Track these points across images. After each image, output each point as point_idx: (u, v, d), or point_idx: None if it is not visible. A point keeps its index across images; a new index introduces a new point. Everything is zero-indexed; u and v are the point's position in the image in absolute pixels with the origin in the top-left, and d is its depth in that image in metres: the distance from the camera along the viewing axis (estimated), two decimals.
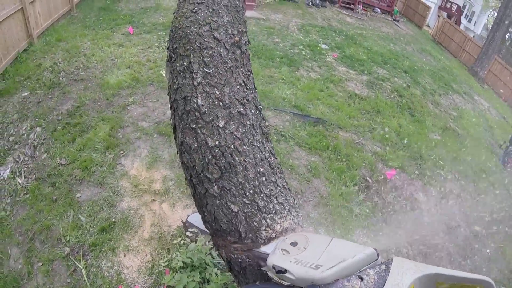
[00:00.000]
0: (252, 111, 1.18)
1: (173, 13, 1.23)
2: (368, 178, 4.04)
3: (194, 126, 1.09)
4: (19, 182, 3.10)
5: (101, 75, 4.61)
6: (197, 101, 1.09)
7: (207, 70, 1.11)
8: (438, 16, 22.48)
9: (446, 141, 6.11)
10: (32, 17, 5.50)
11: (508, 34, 23.33)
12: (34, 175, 3.17)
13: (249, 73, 1.22)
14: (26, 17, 5.35)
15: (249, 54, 1.25)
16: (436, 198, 4.51)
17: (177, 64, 1.14)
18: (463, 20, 31.11)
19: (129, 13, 7.32)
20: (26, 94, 4.20)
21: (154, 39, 6.03)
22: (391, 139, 5.13)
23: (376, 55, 8.74)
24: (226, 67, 1.14)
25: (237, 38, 1.18)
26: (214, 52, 1.12)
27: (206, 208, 1.16)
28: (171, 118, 1.20)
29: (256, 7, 9.34)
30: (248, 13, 8.62)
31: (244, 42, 1.21)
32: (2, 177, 3.17)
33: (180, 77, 1.13)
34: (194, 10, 1.17)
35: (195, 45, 1.12)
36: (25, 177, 3.15)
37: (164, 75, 4.74)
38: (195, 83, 1.10)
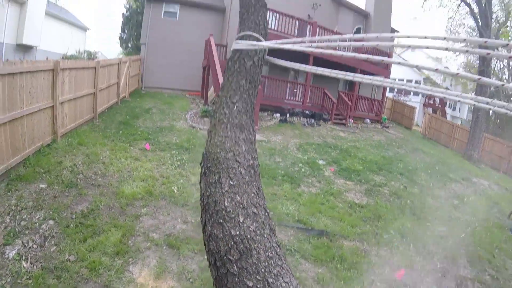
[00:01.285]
0: (262, 212, 1.76)
1: (206, 141, 2.03)
2: (378, 283, 4.37)
3: (221, 221, 1.63)
4: (23, 266, 3.19)
5: (117, 184, 5.17)
6: (224, 203, 1.67)
7: (231, 183, 1.74)
8: (424, 113, 24.61)
9: (453, 232, 6.45)
10: (59, 116, 6.17)
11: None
12: (41, 264, 3.30)
13: (260, 186, 1.92)
14: (54, 115, 5.99)
15: (259, 173, 2.01)
16: None
17: (210, 178, 1.80)
18: (448, 110, 33.81)
19: (146, 130, 8.44)
20: (44, 186, 4.61)
21: (168, 157, 6.83)
22: (396, 240, 5.56)
23: (371, 164, 9.75)
24: (245, 181, 1.78)
25: (251, 162, 1.92)
26: (236, 171, 1.79)
27: (226, 286, 1.55)
28: (201, 217, 1.80)
29: (258, 130, 10.85)
30: None
31: (256, 164, 1.98)
32: (7, 256, 3.27)
33: (212, 186, 1.76)
34: (222, 141, 1.90)
35: (223, 165, 1.80)
36: (30, 263, 3.25)
37: (175, 191, 5.39)
38: (223, 191, 1.71)
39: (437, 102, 29.81)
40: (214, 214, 1.68)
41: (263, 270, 1.52)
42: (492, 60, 22.99)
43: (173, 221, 4.55)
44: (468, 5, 19.26)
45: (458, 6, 21.19)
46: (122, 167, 5.89)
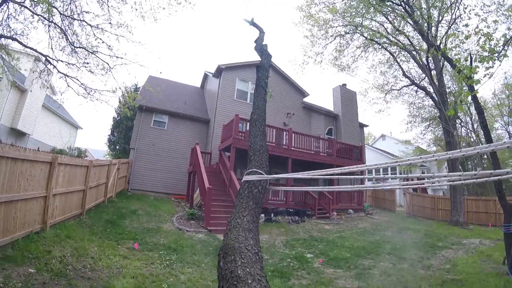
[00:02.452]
0: (264, 280, 2.54)
1: (223, 239, 3.09)
2: None
3: (235, 283, 2.41)
4: None
5: (107, 279, 5.16)
6: (238, 272, 2.52)
7: (243, 261, 2.63)
8: (404, 193, 25.67)
9: None
10: (51, 207, 6.38)
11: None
12: None
13: (263, 266, 2.81)
14: (46, 205, 6.24)
15: (262, 259, 2.94)
16: None
17: (227, 258, 2.73)
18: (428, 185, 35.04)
19: (133, 230, 8.52)
20: (32, 271, 4.58)
21: (156, 257, 6.91)
22: None
23: (359, 250, 10.07)
24: (251, 261, 2.69)
25: (256, 251, 2.92)
26: (246, 255, 2.74)
27: None
28: (219, 285, 2.62)
29: None
30: None
31: (259, 253, 2.96)
32: None
33: (229, 263, 2.65)
34: (237, 237, 3.00)
35: (237, 251, 2.75)
36: None
37: None
38: (237, 265, 2.59)
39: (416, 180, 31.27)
40: (230, 279, 2.47)
41: None
42: (458, 129, 25.97)
43: None
44: (423, 88, 22.37)
45: (416, 91, 24.72)
46: (111, 263, 5.99)
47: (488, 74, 7.27)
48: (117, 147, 26.51)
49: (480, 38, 7.98)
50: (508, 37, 7.75)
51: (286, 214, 14.57)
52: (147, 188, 18.11)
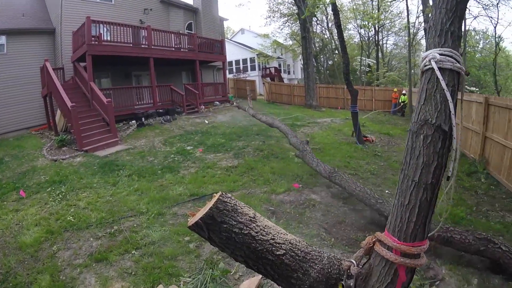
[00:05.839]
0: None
1: None
2: (270, 207, 5.83)
3: None
4: None
5: (13, 239, 5.07)
6: None
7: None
8: (263, 83, 28.52)
9: (318, 154, 8.73)
10: None
11: (314, 65, 31.05)
12: None
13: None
14: None
15: None
16: None
17: None
18: (284, 75, 39.72)
19: (9, 180, 7.93)
20: None
21: (46, 196, 6.74)
22: (270, 178, 7.23)
23: (231, 135, 11.56)
24: None
25: None
26: None
27: None
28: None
29: (121, 141, 11.26)
30: (117, 148, 10.43)
31: None
32: None
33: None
34: None
35: None
36: None
37: (72, 219, 5.56)
38: None
39: (273, 71, 34.64)
40: None
41: None
42: (314, 26, 28.57)
43: (87, 242, 4.85)
44: None
45: None
46: (7, 223, 5.63)
47: None
48: None
49: None
50: None
51: (157, 115, 14.78)
52: (1, 131, 14.84)
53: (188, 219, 1.57)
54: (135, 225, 5.18)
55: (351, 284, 1.53)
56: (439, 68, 1.26)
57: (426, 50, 1.35)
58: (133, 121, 13.76)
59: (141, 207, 5.82)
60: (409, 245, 1.35)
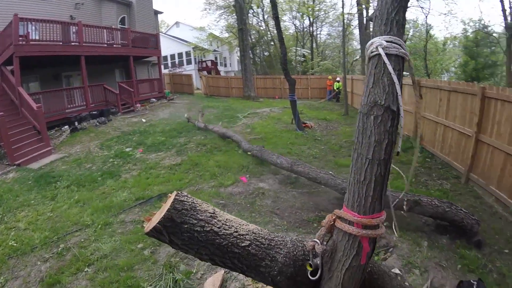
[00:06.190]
0: None
1: None
2: (221, 200, 5.84)
3: None
4: None
5: None
6: None
7: None
8: (200, 77, 28.16)
9: (260, 143, 8.97)
10: None
11: (251, 56, 31.54)
12: None
13: None
14: None
15: None
16: None
17: None
18: (221, 68, 39.57)
19: None
20: None
21: None
22: (216, 172, 7.22)
23: (171, 132, 11.32)
24: None
25: None
26: None
27: None
28: None
29: (54, 150, 10.38)
30: (51, 157, 9.61)
31: None
32: None
33: None
34: None
35: None
36: None
37: (15, 244, 4.98)
38: None
39: (210, 64, 34.25)
40: None
41: None
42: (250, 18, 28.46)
43: (35, 267, 4.35)
44: None
45: None
46: None
47: None
48: None
49: None
50: None
51: (91, 118, 13.79)
52: None
53: (144, 225, 1.52)
54: (82, 240, 4.82)
55: (318, 262, 1.63)
56: (386, 54, 1.38)
57: (372, 37, 1.47)
58: (65, 126, 12.72)
59: (85, 220, 5.42)
60: (369, 218, 1.47)
